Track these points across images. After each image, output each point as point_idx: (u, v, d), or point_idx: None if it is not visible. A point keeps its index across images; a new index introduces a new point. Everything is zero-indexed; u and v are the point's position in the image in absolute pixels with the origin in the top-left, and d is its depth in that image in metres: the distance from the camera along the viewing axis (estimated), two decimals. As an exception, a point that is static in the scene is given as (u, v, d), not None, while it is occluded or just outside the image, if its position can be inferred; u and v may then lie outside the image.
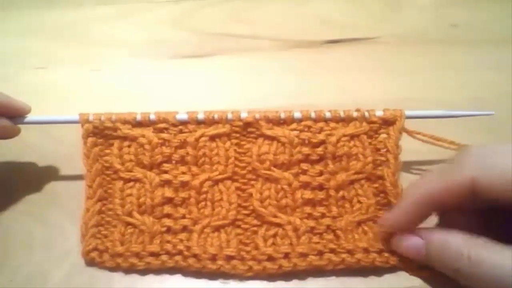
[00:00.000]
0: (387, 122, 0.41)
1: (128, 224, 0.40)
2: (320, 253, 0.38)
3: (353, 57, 0.55)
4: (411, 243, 0.36)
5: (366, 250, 0.38)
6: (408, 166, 0.44)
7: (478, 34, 0.59)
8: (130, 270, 0.38)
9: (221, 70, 0.55)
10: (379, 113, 0.41)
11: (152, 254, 0.38)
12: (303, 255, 0.38)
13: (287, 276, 0.38)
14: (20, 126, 0.42)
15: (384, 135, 0.41)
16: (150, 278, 0.38)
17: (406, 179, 0.40)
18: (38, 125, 0.43)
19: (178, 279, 0.38)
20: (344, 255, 0.37)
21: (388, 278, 0.38)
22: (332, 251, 0.38)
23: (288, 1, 0.65)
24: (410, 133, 0.42)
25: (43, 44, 0.59)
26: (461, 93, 0.48)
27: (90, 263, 0.39)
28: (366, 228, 0.39)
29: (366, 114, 0.41)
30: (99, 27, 0.61)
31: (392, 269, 0.38)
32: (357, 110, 0.41)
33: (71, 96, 0.51)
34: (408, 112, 0.41)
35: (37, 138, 0.47)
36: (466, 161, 0.33)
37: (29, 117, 0.42)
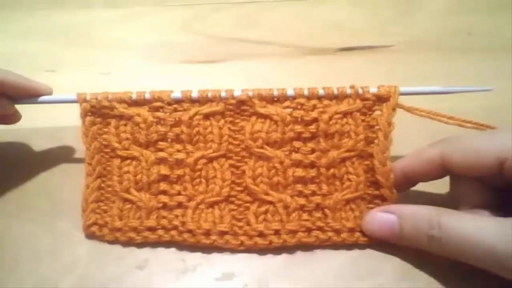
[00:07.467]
0: (381, 99, 0.40)
1: (126, 200, 0.41)
2: (309, 230, 0.39)
3: (366, 65, 0.54)
4: (384, 220, 0.37)
5: (351, 230, 0.39)
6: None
7: (492, 42, 0.57)
8: (128, 243, 0.40)
9: (231, 76, 0.54)
10: (373, 89, 0.40)
11: (149, 229, 0.40)
12: (293, 232, 0.39)
13: (277, 250, 0.39)
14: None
15: (378, 112, 0.40)
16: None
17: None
18: (49, 132, 0.44)
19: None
20: (330, 234, 0.39)
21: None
22: (320, 228, 0.39)
23: (301, 7, 0.63)
24: (408, 109, 0.41)
25: (52, 47, 0.58)
26: (475, 101, 0.46)
27: (90, 236, 0.40)
28: (353, 206, 0.40)
29: (360, 90, 0.40)
30: (108, 30, 0.60)
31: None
32: (351, 87, 0.40)
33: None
34: (402, 89, 0.40)
35: (46, 145, 0.47)
36: (440, 141, 0.37)
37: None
